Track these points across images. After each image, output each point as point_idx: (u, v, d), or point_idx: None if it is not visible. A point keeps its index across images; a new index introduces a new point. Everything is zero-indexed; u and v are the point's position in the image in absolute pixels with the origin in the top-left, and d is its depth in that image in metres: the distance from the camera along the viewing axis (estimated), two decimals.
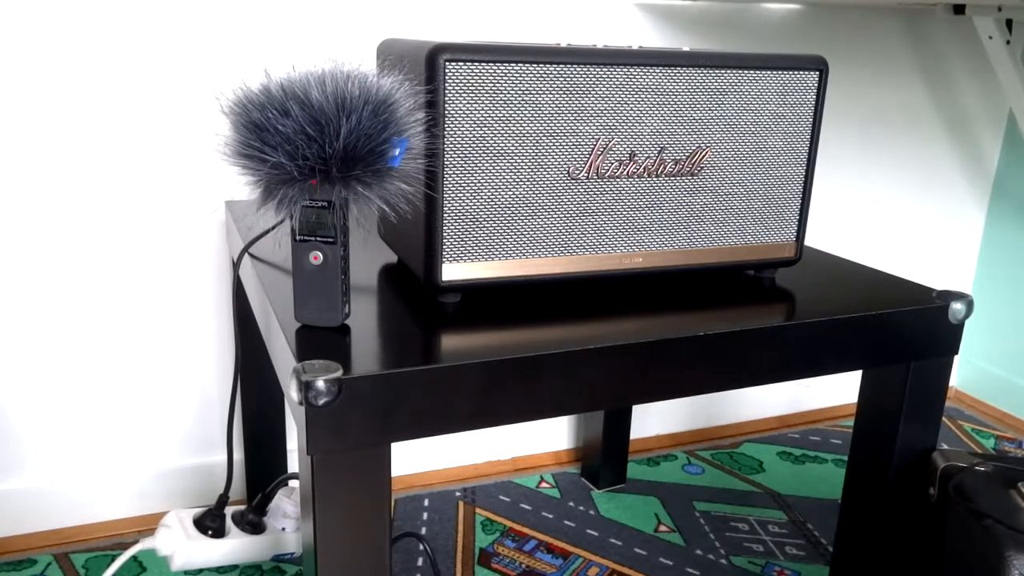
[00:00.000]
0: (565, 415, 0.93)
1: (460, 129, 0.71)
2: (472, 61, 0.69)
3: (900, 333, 0.81)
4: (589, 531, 1.23)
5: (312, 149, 0.59)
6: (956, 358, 1.77)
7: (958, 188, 1.67)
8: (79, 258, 1.12)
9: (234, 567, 1.10)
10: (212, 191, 1.16)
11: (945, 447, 0.91)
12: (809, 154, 0.85)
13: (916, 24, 1.53)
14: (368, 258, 0.89)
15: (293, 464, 1.28)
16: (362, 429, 0.59)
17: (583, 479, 1.39)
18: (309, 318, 0.67)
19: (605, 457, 1.35)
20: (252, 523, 1.05)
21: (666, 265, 0.82)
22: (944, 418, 1.66)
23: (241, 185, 1.17)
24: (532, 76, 0.72)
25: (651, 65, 0.76)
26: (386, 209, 0.62)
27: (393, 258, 0.89)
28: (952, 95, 1.60)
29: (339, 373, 0.58)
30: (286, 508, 1.06)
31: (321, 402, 0.57)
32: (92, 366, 1.17)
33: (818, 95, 0.83)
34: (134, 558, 1.15)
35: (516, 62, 0.71)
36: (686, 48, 0.81)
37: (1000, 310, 1.69)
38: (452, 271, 0.74)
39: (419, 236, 0.74)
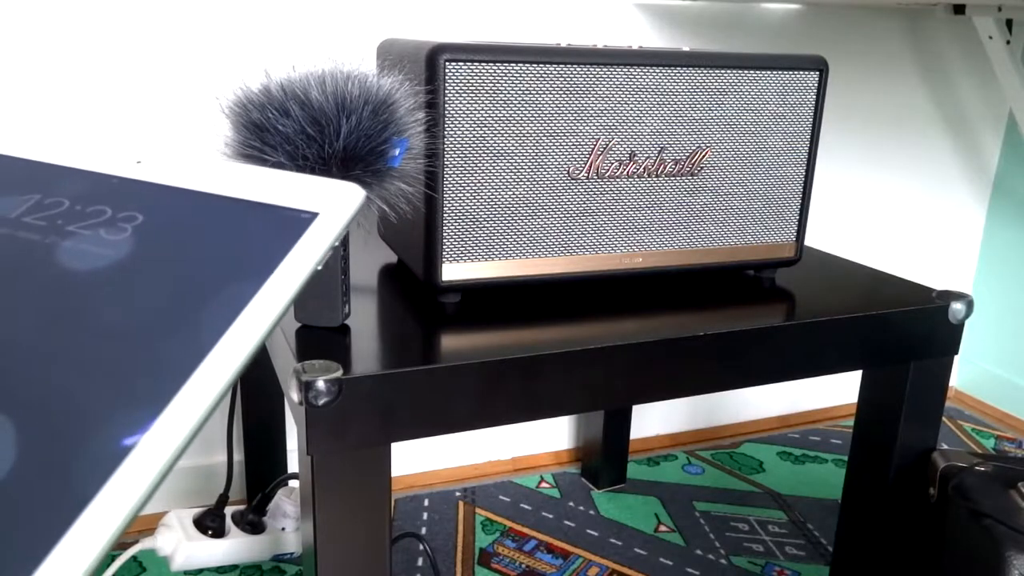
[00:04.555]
0: (565, 415, 0.93)
1: (460, 129, 0.71)
2: (472, 61, 0.69)
3: (900, 333, 0.81)
4: (589, 531, 1.23)
5: (312, 149, 0.59)
6: (956, 358, 1.77)
7: (958, 188, 1.67)
8: None
9: (234, 567, 1.10)
10: None
11: (945, 447, 0.91)
12: (809, 154, 0.85)
13: (916, 24, 1.52)
14: (368, 258, 0.89)
15: (293, 464, 1.28)
16: (362, 429, 0.59)
17: (583, 479, 1.38)
18: (309, 318, 0.67)
19: (605, 457, 1.35)
20: (252, 523, 1.05)
21: (666, 265, 0.82)
22: (944, 418, 1.66)
23: None
24: (532, 76, 0.72)
25: (651, 65, 0.76)
26: (386, 209, 0.62)
27: (393, 258, 0.89)
28: (952, 95, 1.60)
29: (339, 373, 0.58)
30: (286, 508, 1.06)
31: (321, 402, 0.57)
32: None
33: (818, 95, 0.83)
34: (134, 558, 1.15)
35: (516, 62, 0.71)
36: (686, 48, 0.81)
37: (1000, 310, 1.69)
38: (452, 271, 0.74)
39: (419, 236, 0.74)
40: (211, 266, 0.26)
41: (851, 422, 1.64)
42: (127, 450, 0.20)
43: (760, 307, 0.79)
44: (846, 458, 1.48)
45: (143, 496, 0.20)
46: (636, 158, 0.77)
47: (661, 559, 1.17)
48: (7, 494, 0.19)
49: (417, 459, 1.37)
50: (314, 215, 0.27)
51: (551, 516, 1.27)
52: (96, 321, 0.24)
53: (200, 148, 1.14)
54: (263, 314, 0.24)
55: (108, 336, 0.24)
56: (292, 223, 0.27)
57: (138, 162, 0.30)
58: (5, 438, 0.21)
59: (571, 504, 1.31)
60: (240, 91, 0.61)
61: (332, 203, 0.27)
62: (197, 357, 0.23)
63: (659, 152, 0.78)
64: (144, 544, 0.95)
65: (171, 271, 0.26)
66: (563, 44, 0.77)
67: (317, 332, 0.66)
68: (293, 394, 0.58)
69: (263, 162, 0.59)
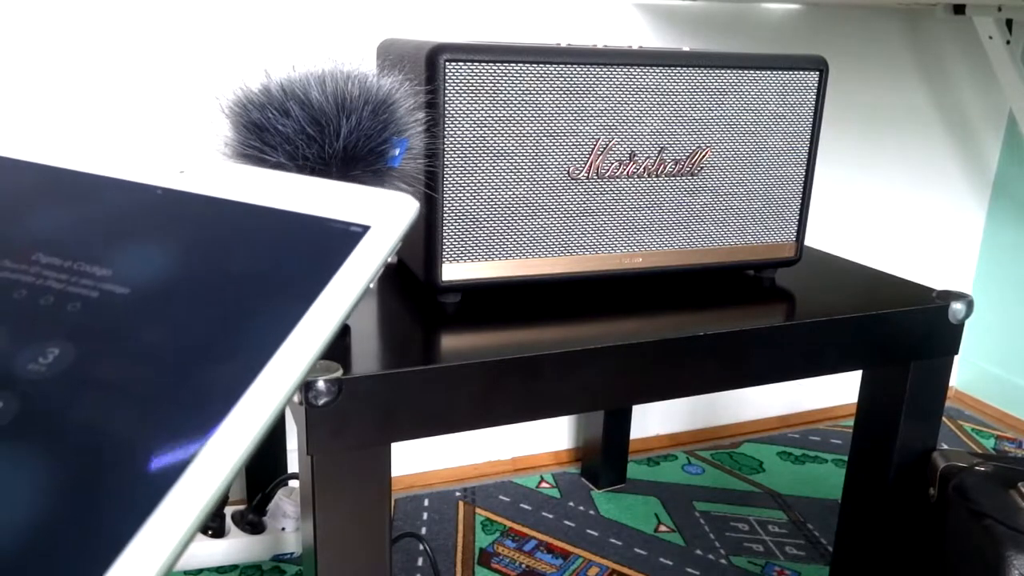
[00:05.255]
0: (565, 415, 0.93)
1: (460, 129, 0.71)
2: (472, 61, 0.69)
3: (900, 333, 0.81)
4: (589, 531, 1.23)
5: (312, 149, 0.59)
6: (956, 358, 1.77)
7: (958, 188, 1.67)
8: None
9: (234, 567, 1.10)
10: None
11: (945, 447, 0.91)
12: (809, 154, 0.85)
13: (916, 24, 1.52)
14: None
15: (293, 464, 1.28)
16: (362, 429, 0.59)
17: (583, 479, 1.38)
18: None
19: (605, 457, 1.35)
20: (252, 523, 1.05)
21: (666, 265, 0.82)
22: (944, 418, 1.66)
23: None
24: (532, 76, 0.72)
25: (651, 65, 0.76)
26: None
27: (393, 258, 0.89)
28: (952, 95, 1.60)
29: (339, 373, 0.58)
30: (286, 508, 1.06)
31: (321, 402, 0.57)
32: None
33: (818, 95, 0.83)
34: None
35: (516, 62, 0.71)
36: (686, 48, 0.81)
37: (1000, 310, 1.69)
38: (452, 271, 0.74)
39: (419, 236, 0.74)
40: (258, 284, 0.24)
41: (851, 422, 1.64)
42: (171, 483, 0.19)
43: (760, 307, 0.79)
44: (846, 458, 1.48)
45: (189, 531, 0.19)
46: (636, 158, 0.77)
47: (661, 559, 1.17)
48: (44, 533, 0.18)
49: (417, 459, 1.37)
50: (366, 228, 0.25)
51: (551, 516, 1.27)
52: (136, 344, 0.22)
53: (200, 150, 1.14)
54: (312, 336, 0.23)
55: (149, 360, 0.22)
56: (343, 237, 0.25)
57: (181, 172, 0.28)
58: (41, 473, 0.20)
59: (571, 504, 1.31)
60: (240, 91, 0.61)
61: (384, 215, 0.26)
62: (243, 383, 0.21)
63: (659, 152, 0.78)
64: None
65: (216, 290, 0.24)
66: (563, 44, 0.77)
67: None
68: None
69: (263, 162, 0.59)
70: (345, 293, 0.24)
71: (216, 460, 0.20)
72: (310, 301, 0.24)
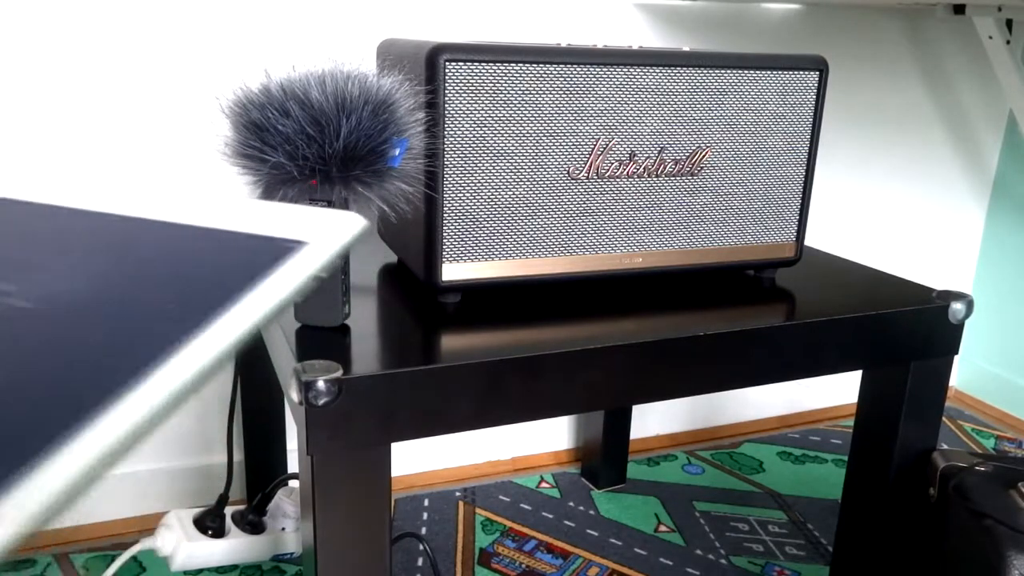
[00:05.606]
0: (565, 415, 0.93)
1: (460, 129, 0.71)
2: (472, 61, 0.69)
3: (900, 333, 0.81)
4: (589, 531, 1.23)
5: (312, 149, 0.59)
6: (956, 358, 1.77)
7: (958, 188, 1.67)
8: None
9: (234, 567, 1.10)
10: (212, 191, 1.16)
11: (945, 447, 0.91)
12: (809, 154, 0.85)
13: (916, 24, 1.52)
14: (368, 258, 0.89)
15: (293, 464, 1.28)
16: (362, 429, 0.59)
17: (583, 479, 1.38)
18: (309, 318, 0.67)
19: (605, 457, 1.35)
20: (252, 523, 1.05)
21: (666, 265, 0.82)
22: (944, 418, 1.66)
23: (241, 185, 1.17)
24: (532, 76, 0.72)
25: (651, 65, 0.76)
26: (386, 209, 0.62)
27: (393, 258, 0.89)
28: (952, 95, 1.60)
29: (339, 373, 0.58)
30: (286, 508, 1.06)
31: (321, 402, 0.57)
32: None
33: (818, 95, 0.83)
34: (134, 558, 1.15)
35: (516, 62, 0.71)
36: (686, 48, 0.81)
37: (1000, 310, 1.69)
38: (452, 271, 0.74)
39: (419, 236, 0.74)
40: (176, 290, 0.25)
41: (851, 422, 1.64)
42: (40, 464, 0.19)
43: (760, 307, 0.79)
44: (846, 458, 1.48)
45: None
46: (636, 158, 0.77)
47: (661, 559, 1.17)
48: None
49: (417, 459, 1.37)
50: (300, 243, 0.26)
51: (551, 516, 1.27)
52: (29, 350, 0.23)
53: (198, 150, 1.14)
54: (224, 334, 0.23)
55: (39, 363, 0.22)
56: (275, 250, 0.26)
57: (126, 198, 0.29)
58: None
59: (571, 504, 1.31)
60: (240, 91, 0.61)
61: (323, 232, 0.27)
62: (131, 382, 0.22)
63: (659, 152, 0.78)
64: (144, 544, 0.95)
65: (129, 298, 0.25)
66: (563, 44, 0.77)
67: (317, 332, 0.66)
68: (293, 394, 0.58)
69: (263, 162, 0.59)
70: (267, 299, 0.25)
71: (97, 442, 0.20)
72: (226, 306, 0.24)
